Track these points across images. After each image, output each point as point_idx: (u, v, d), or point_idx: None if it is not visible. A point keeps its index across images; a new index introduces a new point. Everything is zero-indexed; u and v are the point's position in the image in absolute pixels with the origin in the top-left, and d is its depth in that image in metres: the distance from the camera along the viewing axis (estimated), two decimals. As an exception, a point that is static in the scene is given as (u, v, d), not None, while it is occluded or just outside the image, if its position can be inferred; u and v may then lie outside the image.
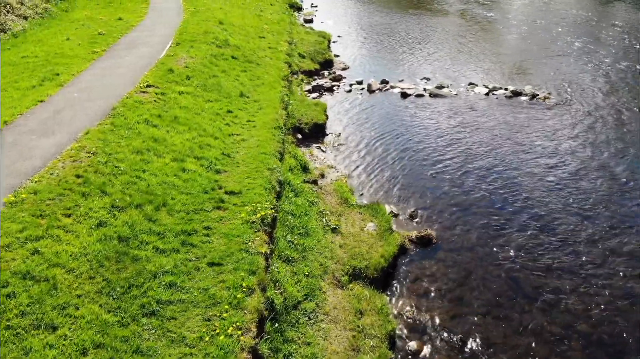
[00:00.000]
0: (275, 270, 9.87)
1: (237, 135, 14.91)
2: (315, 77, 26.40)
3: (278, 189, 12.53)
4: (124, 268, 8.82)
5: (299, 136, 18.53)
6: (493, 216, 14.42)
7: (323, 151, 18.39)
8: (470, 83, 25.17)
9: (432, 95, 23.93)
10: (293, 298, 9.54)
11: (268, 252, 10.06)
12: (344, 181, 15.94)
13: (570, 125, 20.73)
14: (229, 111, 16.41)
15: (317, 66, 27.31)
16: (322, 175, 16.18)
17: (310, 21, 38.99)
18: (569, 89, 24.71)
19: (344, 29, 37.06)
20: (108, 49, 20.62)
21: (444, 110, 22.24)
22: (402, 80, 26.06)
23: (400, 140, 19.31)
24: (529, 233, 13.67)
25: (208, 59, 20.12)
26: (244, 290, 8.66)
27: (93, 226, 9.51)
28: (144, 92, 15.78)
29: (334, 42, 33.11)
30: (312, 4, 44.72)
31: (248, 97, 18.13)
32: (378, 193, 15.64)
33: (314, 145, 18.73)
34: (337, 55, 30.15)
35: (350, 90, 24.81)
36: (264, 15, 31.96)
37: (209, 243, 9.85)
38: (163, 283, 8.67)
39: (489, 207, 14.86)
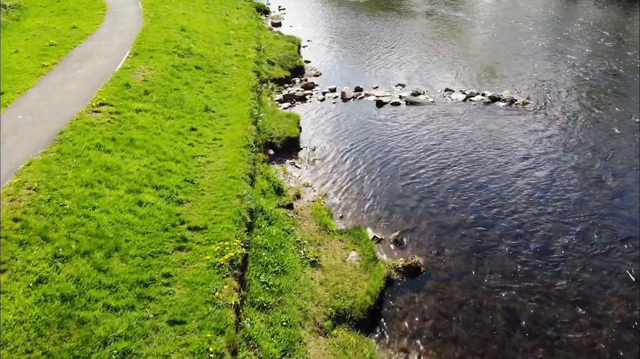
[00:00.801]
0: (248, 324, 8.60)
1: (202, 156, 13.53)
2: (287, 85, 25.15)
3: (249, 220, 11.25)
4: (68, 335, 7.41)
5: (271, 152, 17.25)
6: (481, 236, 13.47)
7: (298, 167, 17.16)
8: (447, 90, 24.33)
9: (409, 103, 22.97)
10: (269, 356, 8.28)
11: (239, 302, 8.78)
12: (322, 201, 14.75)
13: (555, 131, 20.04)
14: (193, 129, 15.01)
15: (288, 73, 26.05)
16: (298, 196, 14.95)
17: (279, 25, 37.70)
18: (546, 93, 24.14)
19: (314, 32, 35.90)
20: (59, 61, 18.88)
21: (422, 119, 21.29)
22: (377, 87, 25.04)
23: (379, 152, 18.25)
24: (522, 255, 12.76)
25: (169, 71, 18.63)
26: (212, 356, 7.36)
27: (31, 284, 8.05)
28: (96, 111, 14.23)
29: (304, 46, 31.90)
30: (279, 6, 43.40)
31: (214, 111, 16.75)
32: (359, 214, 14.51)
33: (288, 161, 17.48)
34: (308, 61, 28.94)
35: (323, 99, 23.64)
36: (230, 20, 30.49)
37: (170, 294, 8.51)
38: (115, 351, 7.30)
39: (476, 226, 13.91)
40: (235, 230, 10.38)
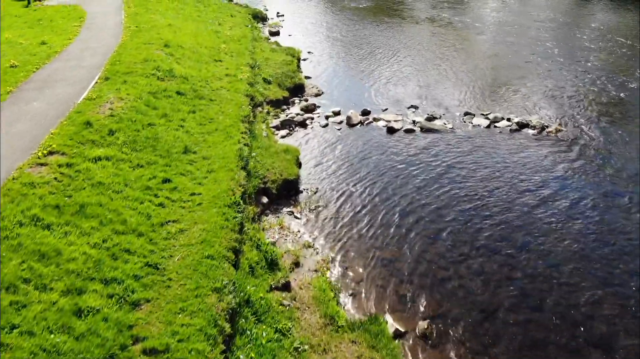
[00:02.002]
0: None
1: (173, 223, 10.60)
2: (285, 108, 22.21)
3: (229, 330, 8.31)
4: None
5: (265, 200, 14.32)
6: (536, 325, 10.54)
7: (297, 218, 14.23)
8: (467, 113, 21.36)
9: (424, 129, 20.03)
10: None
11: None
12: (326, 273, 11.82)
13: (599, 167, 17.11)
14: (166, 180, 12.09)
15: (286, 93, 23.09)
16: (297, 264, 12.02)
17: (277, 34, 34.73)
18: (577, 116, 21.21)
19: (315, 42, 32.96)
20: (15, 89, 15.96)
21: (441, 150, 18.36)
22: (386, 109, 22.11)
23: (394, 196, 15.32)
24: None
25: (144, 100, 15.70)
26: None
27: None
28: (42, 164, 11.31)
29: (304, 59, 28.95)
30: (278, 12, 40.42)
31: (195, 152, 13.83)
32: (373, 289, 11.56)
33: (285, 209, 14.54)
34: (308, 77, 26.01)
35: (326, 125, 20.70)
36: (222, 32, 27.54)
37: None
38: None
39: (525, 308, 10.99)
40: (208, 352, 7.46)
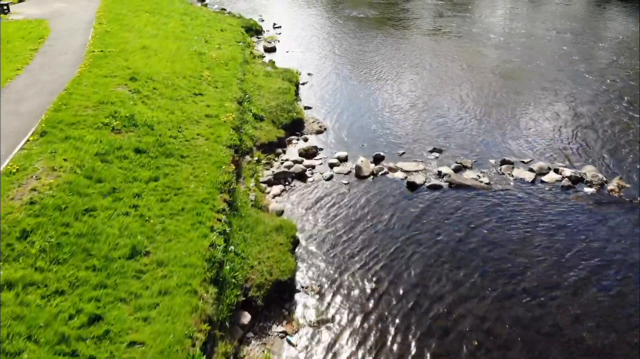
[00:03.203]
0: None
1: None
2: (279, 152, 18.22)
3: None
4: None
5: (246, 320, 10.26)
6: None
7: (291, 344, 10.20)
8: (504, 162, 17.29)
9: (453, 185, 16.01)
10: None
11: None
12: None
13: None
14: (95, 318, 8.07)
15: (282, 132, 19.06)
16: None
17: (273, 50, 30.70)
18: (636, 164, 17.21)
19: (315, 60, 28.93)
20: None
21: (478, 217, 14.34)
22: (403, 153, 18.11)
23: (419, 298, 11.31)
24: None
25: (87, 168, 11.68)
26: None
27: None
28: None
29: (303, 83, 24.96)
30: (274, 24, 36.33)
31: (147, 253, 9.79)
32: None
33: (275, 329, 10.50)
34: (308, 108, 22.03)
35: (330, 177, 16.70)
36: (208, 52, 23.43)
37: None
38: None
39: None
40: None
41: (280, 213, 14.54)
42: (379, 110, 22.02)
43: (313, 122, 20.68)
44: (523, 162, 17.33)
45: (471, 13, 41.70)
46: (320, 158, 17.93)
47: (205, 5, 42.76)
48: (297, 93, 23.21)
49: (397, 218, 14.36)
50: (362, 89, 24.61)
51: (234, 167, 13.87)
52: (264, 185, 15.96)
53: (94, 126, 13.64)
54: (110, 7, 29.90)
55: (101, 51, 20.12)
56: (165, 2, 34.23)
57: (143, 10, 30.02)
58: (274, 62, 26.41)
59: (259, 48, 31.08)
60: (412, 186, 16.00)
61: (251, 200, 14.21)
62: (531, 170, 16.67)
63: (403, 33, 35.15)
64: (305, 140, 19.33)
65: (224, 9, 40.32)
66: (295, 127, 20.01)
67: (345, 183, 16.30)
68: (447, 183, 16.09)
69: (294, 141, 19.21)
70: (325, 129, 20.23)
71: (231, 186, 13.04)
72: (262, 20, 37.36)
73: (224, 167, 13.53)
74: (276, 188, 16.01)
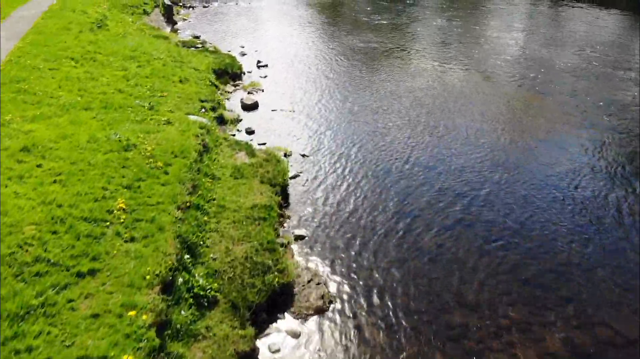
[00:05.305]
0: None
1: None
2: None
3: None
4: None
5: None
6: None
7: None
8: None
9: None
10: None
11: None
12: None
13: None
14: None
15: (247, 331, 10.15)
16: None
17: (254, 107, 21.90)
18: None
19: (312, 124, 20.13)
20: None
21: None
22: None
23: None
24: None
25: None
26: None
27: None
28: None
29: (293, 177, 16.20)
30: (258, 63, 27.28)
31: None
32: None
33: None
34: (300, 238, 13.35)
35: None
36: (142, 142, 14.59)
37: None
38: None
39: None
40: None
41: None
42: (415, 245, 13.19)
43: (309, 283, 11.82)
44: None
45: (481, 40, 32.84)
46: (323, 397, 9.17)
47: (176, 31, 34.03)
48: (282, 208, 14.43)
49: None
50: (379, 192, 15.78)
51: None
52: None
53: None
54: (24, 52, 21.09)
55: None
56: (111, 37, 25.47)
57: (69, 57, 21.26)
58: (250, 146, 17.27)
59: (235, 103, 22.30)
60: None
61: None
62: None
63: (439, 74, 26.30)
64: (295, 335, 10.51)
65: (197, 37, 31.53)
66: (277, 300, 11.20)
67: None
68: None
69: (270, 343, 10.36)
70: (331, 301, 11.41)
71: None
72: (244, 55, 28.52)
73: None
74: None
